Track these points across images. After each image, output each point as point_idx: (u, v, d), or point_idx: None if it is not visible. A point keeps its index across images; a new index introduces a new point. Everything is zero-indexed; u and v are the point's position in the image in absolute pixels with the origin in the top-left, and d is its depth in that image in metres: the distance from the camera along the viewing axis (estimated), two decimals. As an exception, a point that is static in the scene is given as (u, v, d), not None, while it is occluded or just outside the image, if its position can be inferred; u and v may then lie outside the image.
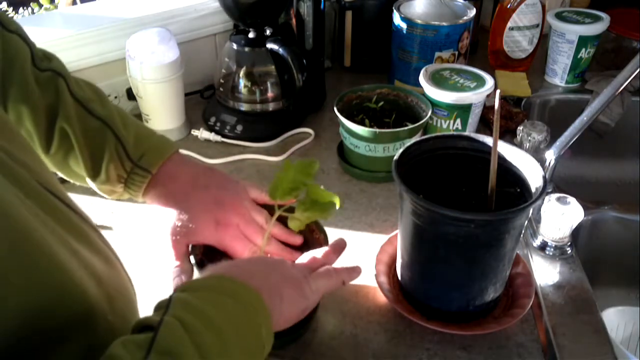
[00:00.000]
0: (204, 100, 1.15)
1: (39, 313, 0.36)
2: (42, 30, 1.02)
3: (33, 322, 0.35)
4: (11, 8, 2.04)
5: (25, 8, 2.03)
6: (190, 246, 0.67)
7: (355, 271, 0.62)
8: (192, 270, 0.66)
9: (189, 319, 0.41)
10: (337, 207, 0.63)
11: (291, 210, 0.65)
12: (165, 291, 0.46)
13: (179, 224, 0.65)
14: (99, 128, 0.64)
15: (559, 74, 1.22)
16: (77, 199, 0.52)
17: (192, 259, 0.67)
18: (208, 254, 0.68)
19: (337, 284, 0.59)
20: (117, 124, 0.65)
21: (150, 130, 0.70)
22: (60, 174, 0.68)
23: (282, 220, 0.66)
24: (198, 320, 0.41)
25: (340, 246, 0.65)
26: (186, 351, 0.39)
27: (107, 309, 0.43)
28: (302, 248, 0.69)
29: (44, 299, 0.36)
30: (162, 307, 0.42)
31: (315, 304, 0.56)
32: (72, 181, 0.69)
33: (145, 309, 0.72)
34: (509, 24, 1.21)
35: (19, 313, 0.34)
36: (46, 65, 0.63)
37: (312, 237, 0.72)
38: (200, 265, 0.67)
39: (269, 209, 0.69)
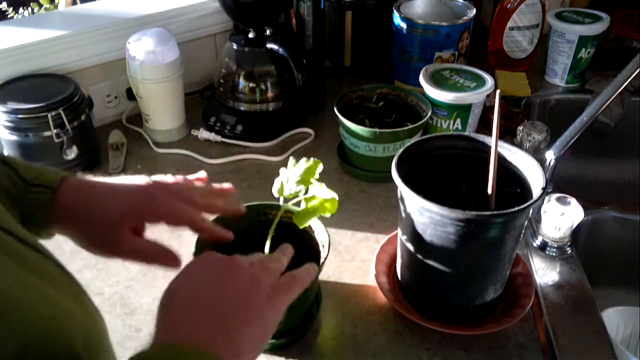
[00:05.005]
0: (204, 100, 1.15)
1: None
2: (42, 30, 1.02)
3: None
4: (11, 8, 2.04)
5: (25, 8, 2.03)
6: (196, 241, 0.66)
7: (312, 270, 0.56)
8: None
9: None
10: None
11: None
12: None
13: (119, 209, 0.57)
14: None
15: (559, 74, 1.22)
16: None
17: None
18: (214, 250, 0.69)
19: (299, 293, 0.53)
20: (4, 156, 0.59)
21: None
22: None
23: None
24: None
25: (289, 251, 0.58)
26: None
27: (82, 346, 0.40)
28: (304, 249, 0.69)
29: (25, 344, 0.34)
30: None
31: (275, 329, 0.50)
32: None
33: (145, 311, 0.72)
34: (509, 24, 1.21)
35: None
36: None
37: (313, 237, 0.72)
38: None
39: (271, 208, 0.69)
